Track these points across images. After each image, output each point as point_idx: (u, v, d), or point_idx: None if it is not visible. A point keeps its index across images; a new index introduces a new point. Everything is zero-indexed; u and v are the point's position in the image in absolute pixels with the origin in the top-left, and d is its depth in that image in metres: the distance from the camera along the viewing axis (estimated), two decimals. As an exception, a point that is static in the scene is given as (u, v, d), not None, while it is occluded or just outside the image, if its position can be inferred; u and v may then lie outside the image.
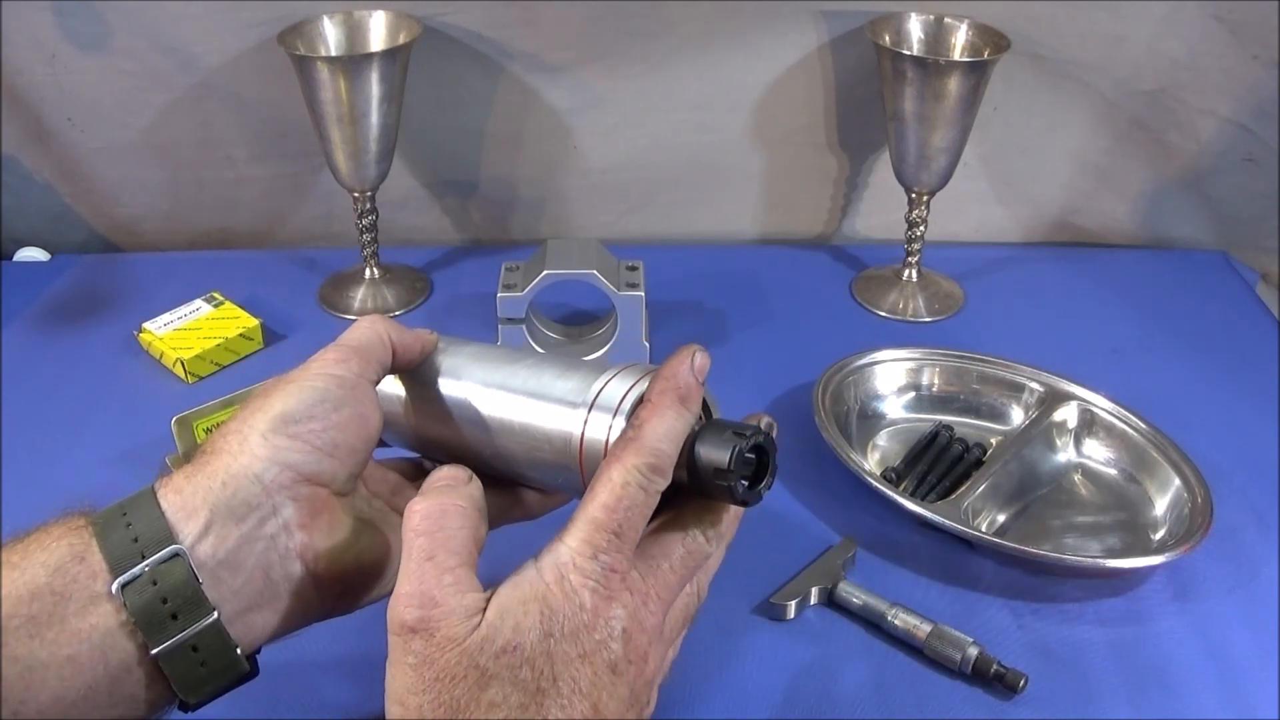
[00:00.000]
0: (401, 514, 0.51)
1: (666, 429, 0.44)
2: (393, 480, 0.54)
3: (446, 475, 0.47)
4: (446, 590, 0.41)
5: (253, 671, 0.45)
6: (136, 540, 0.42)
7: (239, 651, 0.43)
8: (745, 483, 0.46)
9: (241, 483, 0.44)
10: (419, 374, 0.54)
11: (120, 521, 0.43)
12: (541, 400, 0.49)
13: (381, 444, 0.58)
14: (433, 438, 0.55)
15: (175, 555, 0.42)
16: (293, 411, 0.46)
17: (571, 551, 0.42)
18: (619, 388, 0.47)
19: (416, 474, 0.56)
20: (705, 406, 0.49)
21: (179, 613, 0.42)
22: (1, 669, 0.39)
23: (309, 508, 0.45)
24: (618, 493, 0.43)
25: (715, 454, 0.45)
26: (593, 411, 0.47)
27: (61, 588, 0.41)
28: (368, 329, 0.51)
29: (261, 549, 0.44)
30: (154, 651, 0.41)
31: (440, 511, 0.44)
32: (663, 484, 0.44)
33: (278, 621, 0.45)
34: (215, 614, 0.42)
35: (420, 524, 0.43)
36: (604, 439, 0.46)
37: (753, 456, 0.46)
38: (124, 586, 0.41)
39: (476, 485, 0.47)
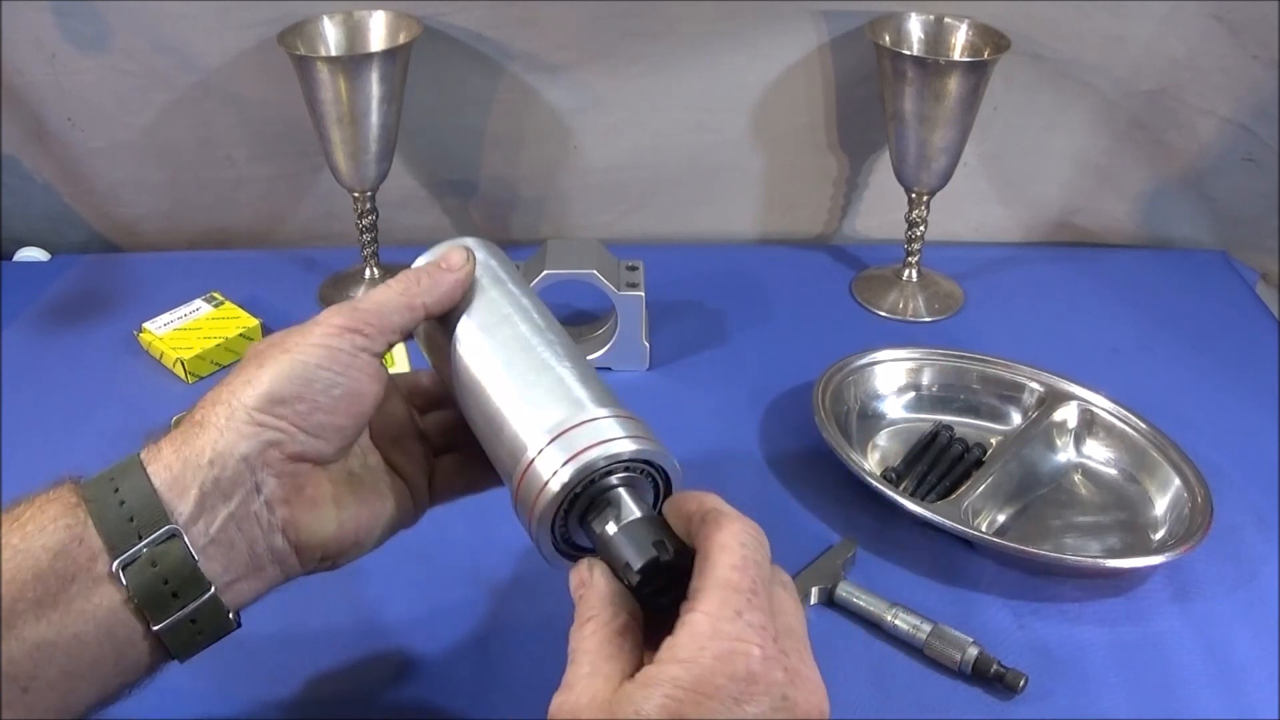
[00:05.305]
0: (397, 470, 0.51)
1: (743, 527, 0.42)
2: (394, 426, 0.53)
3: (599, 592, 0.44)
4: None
5: (236, 625, 0.46)
6: (132, 520, 0.43)
7: (229, 615, 0.45)
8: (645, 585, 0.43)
9: (228, 461, 0.44)
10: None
11: (113, 498, 0.44)
12: (525, 403, 0.48)
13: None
14: (440, 372, 0.54)
15: (171, 536, 0.43)
16: (281, 392, 0.46)
17: (711, 618, 0.38)
18: (589, 437, 0.45)
19: (428, 405, 0.55)
20: (665, 476, 0.47)
21: (179, 591, 0.43)
22: (11, 649, 0.40)
23: (291, 483, 0.46)
24: (740, 552, 0.40)
25: (630, 552, 0.43)
26: (551, 445, 0.45)
27: (64, 570, 0.42)
28: (399, 297, 0.50)
29: (247, 526, 0.45)
30: (156, 628, 0.43)
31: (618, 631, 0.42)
32: (769, 554, 0.42)
33: (263, 586, 0.47)
34: (212, 589, 0.44)
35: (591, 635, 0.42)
36: (544, 480, 0.44)
37: (668, 570, 0.43)
38: (124, 567, 0.42)
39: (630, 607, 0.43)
